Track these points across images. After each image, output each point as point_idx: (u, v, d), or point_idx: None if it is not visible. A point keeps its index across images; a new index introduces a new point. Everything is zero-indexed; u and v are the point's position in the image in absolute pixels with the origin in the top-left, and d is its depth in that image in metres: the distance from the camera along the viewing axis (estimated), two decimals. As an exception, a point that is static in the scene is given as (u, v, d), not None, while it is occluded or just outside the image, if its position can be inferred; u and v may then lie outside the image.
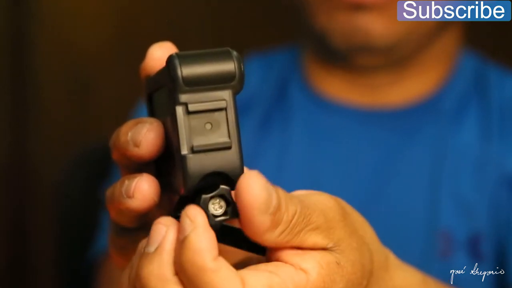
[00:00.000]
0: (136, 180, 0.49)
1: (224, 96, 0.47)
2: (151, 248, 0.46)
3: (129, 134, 0.50)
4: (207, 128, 0.46)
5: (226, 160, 0.46)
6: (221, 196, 0.47)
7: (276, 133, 0.94)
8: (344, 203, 0.51)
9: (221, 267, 0.45)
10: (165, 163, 0.51)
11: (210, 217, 0.46)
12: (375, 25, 0.86)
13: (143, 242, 0.48)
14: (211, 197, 0.46)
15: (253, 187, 0.45)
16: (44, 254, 1.66)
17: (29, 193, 1.73)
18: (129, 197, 0.49)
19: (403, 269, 0.56)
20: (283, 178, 0.91)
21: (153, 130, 0.49)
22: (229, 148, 0.46)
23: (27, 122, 1.72)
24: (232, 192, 0.47)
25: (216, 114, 0.46)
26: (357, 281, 0.49)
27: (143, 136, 0.49)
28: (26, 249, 1.73)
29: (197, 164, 0.46)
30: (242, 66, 0.47)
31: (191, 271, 0.44)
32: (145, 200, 0.49)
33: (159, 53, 0.53)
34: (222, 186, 0.46)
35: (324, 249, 0.48)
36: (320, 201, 0.49)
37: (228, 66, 0.46)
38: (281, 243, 0.47)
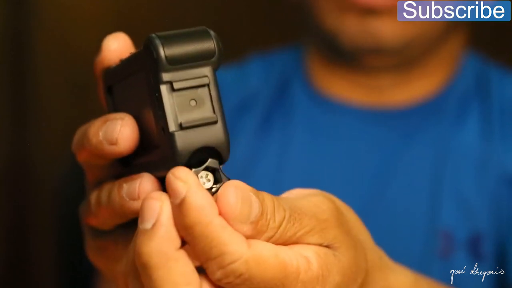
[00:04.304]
0: (138, 181, 0.49)
1: (206, 72, 0.47)
2: (148, 225, 0.46)
3: (100, 134, 0.50)
4: (191, 104, 0.47)
5: (213, 134, 0.47)
6: (210, 169, 0.47)
7: (277, 132, 0.94)
8: (339, 203, 0.51)
9: (227, 224, 0.45)
10: (134, 154, 0.51)
11: None
12: (386, 29, 0.86)
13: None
14: (201, 170, 0.47)
15: (229, 198, 0.45)
16: (44, 254, 1.66)
17: (29, 194, 1.73)
18: (134, 199, 0.49)
19: (396, 269, 0.56)
20: (284, 178, 0.91)
21: (127, 125, 0.49)
22: (215, 122, 0.47)
23: (27, 123, 1.72)
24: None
25: (200, 90, 0.47)
26: (352, 276, 0.49)
27: (119, 132, 0.49)
28: (26, 249, 1.73)
29: (186, 140, 0.46)
30: (220, 43, 0.48)
31: (198, 230, 0.44)
32: None
33: (115, 45, 0.54)
34: (211, 159, 0.47)
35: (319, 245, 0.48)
36: (314, 203, 0.49)
37: (207, 44, 0.47)
38: None
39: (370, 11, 0.86)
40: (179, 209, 0.45)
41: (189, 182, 0.45)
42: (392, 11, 0.85)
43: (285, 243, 0.47)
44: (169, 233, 0.45)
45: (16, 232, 1.73)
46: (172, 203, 0.45)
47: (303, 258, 0.47)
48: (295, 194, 0.50)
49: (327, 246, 0.48)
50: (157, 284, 0.45)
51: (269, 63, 1.01)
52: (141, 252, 0.45)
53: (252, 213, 0.45)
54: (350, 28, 0.87)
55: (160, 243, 0.45)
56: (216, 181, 0.47)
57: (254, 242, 0.46)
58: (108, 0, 1.69)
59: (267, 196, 0.47)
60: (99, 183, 0.54)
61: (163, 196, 0.46)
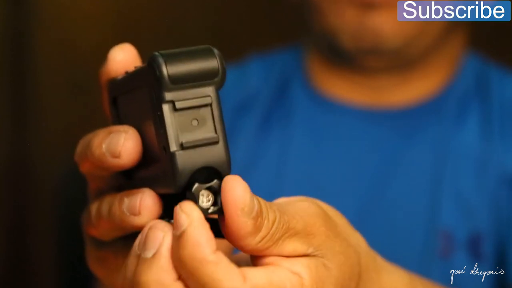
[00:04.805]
0: (139, 197, 0.49)
1: (209, 92, 0.47)
2: (149, 254, 0.46)
3: (103, 146, 0.50)
4: (193, 124, 0.47)
5: (214, 154, 0.47)
6: (213, 190, 0.47)
7: (277, 133, 0.94)
8: (327, 208, 0.52)
9: (222, 259, 0.45)
10: (137, 167, 0.51)
11: (201, 209, 0.47)
12: (385, 26, 0.86)
13: (136, 244, 0.48)
14: (203, 188, 0.47)
15: (238, 188, 0.46)
16: (44, 254, 1.66)
17: (29, 194, 1.73)
18: (135, 214, 0.49)
19: (390, 270, 0.56)
20: (284, 178, 0.91)
21: (131, 139, 0.49)
22: (216, 142, 0.47)
23: (27, 123, 1.72)
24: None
25: (202, 110, 0.47)
26: (345, 284, 0.49)
27: (122, 146, 0.49)
28: (26, 249, 1.73)
29: (187, 160, 0.46)
30: (223, 63, 0.48)
31: (192, 265, 0.45)
32: (153, 216, 0.49)
33: (121, 56, 0.54)
34: (216, 180, 0.47)
35: (305, 255, 0.48)
36: (300, 208, 0.49)
37: (211, 63, 0.47)
38: (261, 250, 0.47)
39: (368, 6, 0.86)
40: (177, 241, 0.45)
41: (192, 216, 0.45)
42: (391, 6, 0.85)
43: (271, 246, 0.47)
44: (169, 264, 0.46)
45: (16, 232, 1.73)
46: (173, 235, 0.46)
47: (295, 276, 0.47)
48: (282, 201, 0.51)
49: (312, 254, 0.48)
50: None
51: (269, 63, 1.01)
52: (139, 280, 0.46)
53: (254, 207, 0.46)
54: (350, 25, 0.87)
55: (159, 272, 0.46)
56: (215, 203, 0.47)
57: (248, 273, 0.46)
58: (108, 0, 1.69)
59: (259, 197, 0.47)
60: (101, 193, 0.54)
61: (167, 228, 0.46)
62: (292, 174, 0.91)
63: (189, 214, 0.45)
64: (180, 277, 0.46)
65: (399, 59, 0.91)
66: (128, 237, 0.52)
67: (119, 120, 0.54)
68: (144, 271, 0.46)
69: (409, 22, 0.86)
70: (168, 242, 0.46)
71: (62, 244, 1.22)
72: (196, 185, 0.46)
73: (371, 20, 0.86)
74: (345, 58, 0.92)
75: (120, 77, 0.53)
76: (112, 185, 0.54)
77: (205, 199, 0.47)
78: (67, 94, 1.69)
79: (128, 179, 0.53)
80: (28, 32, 1.70)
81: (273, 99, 0.97)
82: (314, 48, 0.98)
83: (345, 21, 0.87)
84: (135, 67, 0.52)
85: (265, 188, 0.86)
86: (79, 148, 0.53)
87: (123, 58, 0.53)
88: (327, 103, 0.95)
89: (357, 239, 0.53)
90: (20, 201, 1.73)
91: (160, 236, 0.46)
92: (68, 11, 1.70)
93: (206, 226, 0.45)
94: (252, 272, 0.46)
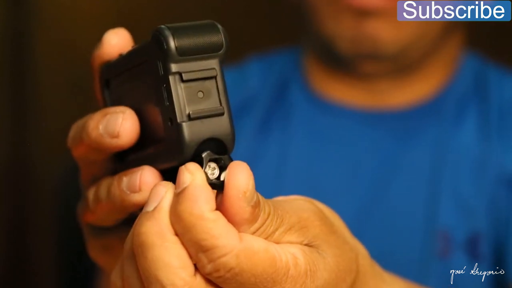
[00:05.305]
0: (139, 174, 0.49)
1: (213, 65, 0.48)
2: (150, 207, 0.46)
3: (101, 127, 0.50)
4: (199, 96, 0.47)
5: (219, 126, 0.47)
6: (220, 163, 0.47)
7: (276, 134, 0.94)
8: (323, 207, 0.52)
9: (220, 217, 0.45)
10: (130, 150, 0.51)
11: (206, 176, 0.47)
12: (382, 32, 0.86)
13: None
14: (212, 159, 0.47)
15: (246, 173, 0.46)
16: (44, 254, 1.66)
17: (29, 194, 1.73)
18: (135, 192, 0.49)
19: (389, 281, 0.56)
20: (283, 179, 0.91)
21: (129, 118, 0.50)
22: (222, 114, 0.47)
23: (27, 123, 1.72)
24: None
25: (207, 82, 0.47)
26: (341, 275, 0.49)
27: (121, 126, 0.50)
28: (26, 249, 1.73)
29: (194, 130, 0.47)
30: (227, 37, 0.48)
31: (189, 220, 0.44)
32: None
33: (116, 40, 0.54)
34: (227, 156, 0.47)
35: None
36: (295, 204, 0.49)
37: (215, 36, 0.48)
38: None
39: (365, 13, 0.86)
40: (177, 198, 0.45)
41: (195, 175, 0.45)
42: (388, 13, 0.85)
43: (267, 239, 0.47)
44: (169, 217, 0.46)
45: (16, 232, 1.73)
46: (175, 193, 0.46)
47: (290, 254, 0.47)
48: (278, 199, 0.51)
49: (308, 244, 0.48)
50: (152, 264, 0.45)
51: (268, 65, 1.01)
52: (139, 231, 0.46)
53: (254, 197, 0.46)
54: (347, 31, 0.87)
55: (159, 224, 0.45)
56: (218, 178, 0.47)
57: (245, 235, 0.46)
58: (108, 0, 1.69)
59: (257, 192, 0.47)
60: (94, 180, 0.54)
61: (170, 185, 0.47)
62: (292, 175, 0.92)
63: (193, 173, 0.45)
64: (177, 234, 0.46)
65: (397, 63, 0.91)
66: (132, 220, 0.52)
67: (112, 103, 0.54)
68: (144, 223, 0.46)
69: (407, 28, 0.86)
70: (169, 197, 0.46)
71: (62, 244, 1.22)
72: (207, 151, 0.47)
73: (368, 27, 0.86)
74: (343, 62, 0.92)
75: (114, 59, 0.53)
76: (107, 170, 0.54)
77: (210, 171, 0.47)
78: (67, 94, 1.69)
79: (122, 162, 0.53)
80: (28, 32, 1.70)
81: (272, 100, 0.97)
82: (312, 50, 0.98)
83: (343, 27, 0.87)
84: (133, 46, 0.52)
85: (265, 189, 0.86)
86: (72, 133, 0.53)
87: (117, 42, 0.54)
88: (325, 105, 0.95)
89: (355, 242, 0.53)
90: (20, 201, 1.73)
91: (162, 191, 0.46)
92: (68, 11, 1.70)
93: (208, 187, 0.45)
94: (249, 236, 0.46)
